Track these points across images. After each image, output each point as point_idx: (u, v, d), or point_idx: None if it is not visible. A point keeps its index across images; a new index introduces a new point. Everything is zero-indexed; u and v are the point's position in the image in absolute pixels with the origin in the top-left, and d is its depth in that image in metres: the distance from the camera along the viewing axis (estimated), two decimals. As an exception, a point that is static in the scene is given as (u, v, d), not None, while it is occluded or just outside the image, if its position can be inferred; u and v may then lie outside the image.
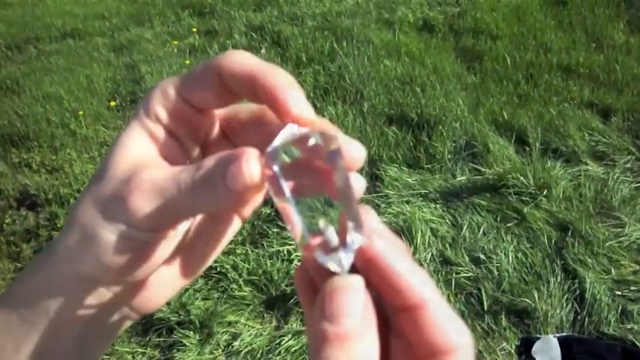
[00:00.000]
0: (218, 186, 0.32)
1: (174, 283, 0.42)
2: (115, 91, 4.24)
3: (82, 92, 4.15)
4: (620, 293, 2.38)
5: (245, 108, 0.40)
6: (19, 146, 3.58)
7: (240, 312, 2.36)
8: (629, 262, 2.52)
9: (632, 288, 2.40)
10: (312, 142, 0.30)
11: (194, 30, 5.38)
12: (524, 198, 2.85)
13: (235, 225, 0.44)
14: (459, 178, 3.06)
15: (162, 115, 0.37)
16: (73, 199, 3.04)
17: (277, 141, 0.31)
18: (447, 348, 0.30)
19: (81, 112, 3.88)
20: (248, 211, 0.45)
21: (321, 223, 0.31)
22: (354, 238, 0.30)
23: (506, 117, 3.49)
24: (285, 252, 2.59)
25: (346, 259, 0.30)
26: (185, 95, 0.37)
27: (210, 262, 0.44)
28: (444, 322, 0.30)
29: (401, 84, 3.90)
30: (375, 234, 0.31)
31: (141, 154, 0.36)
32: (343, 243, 0.30)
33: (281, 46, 4.77)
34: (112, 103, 4.07)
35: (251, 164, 0.31)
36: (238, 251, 2.65)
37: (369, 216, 0.32)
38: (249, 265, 2.54)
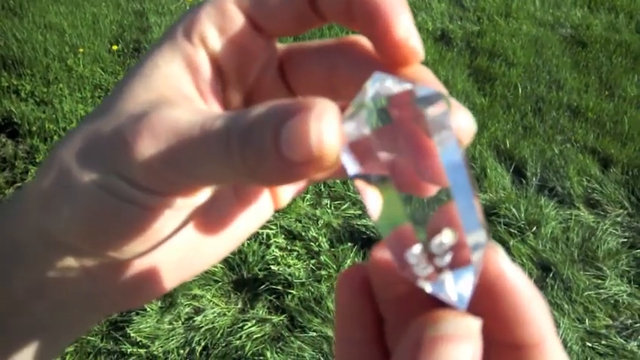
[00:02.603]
0: (266, 149, 0.21)
1: (167, 277, 0.31)
2: (119, 36, 4.11)
3: (86, 30, 4.02)
4: (590, 345, 2.35)
5: (320, 43, 0.30)
6: (10, 71, 3.45)
7: (207, 287, 2.29)
8: (604, 316, 2.49)
9: (602, 342, 2.37)
10: (417, 98, 0.20)
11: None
12: (512, 230, 2.81)
13: (264, 210, 0.34)
14: (452, 197, 3.00)
15: (212, 35, 0.27)
16: (57, 137, 2.94)
17: (368, 92, 0.21)
18: None
19: (81, 50, 3.75)
20: (284, 197, 0.34)
21: (423, 224, 0.21)
22: (476, 252, 0.21)
23: (508, 146, 3.44)
24: (265, 235, 2.51)
25: (467, 286, 0.21)
26: (255, 12, 0.27)
27: (217, 260, 0.33)
28: None
29: (409, 90, 3.83)
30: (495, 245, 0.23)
31: (169, 85, 0.26)
32: (461, 260, 0.21)
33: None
34: (114, 47, 3.94)
35: (325, 123, 0.20)
36: (216, 225, 2.55)
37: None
38: (225, 240, 2.46)
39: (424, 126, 0.21)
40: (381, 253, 0.24)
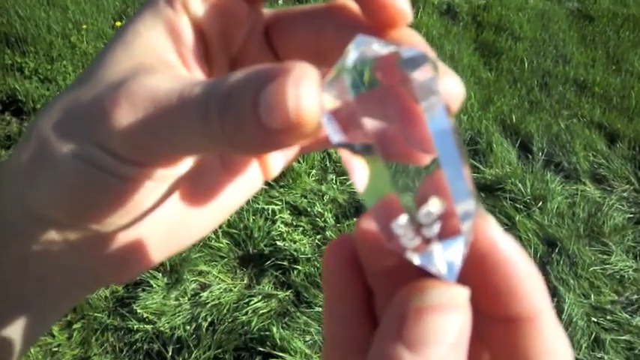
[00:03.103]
0: (244, 116, 0.20)
1: (153, 250, 0.30)
2: (122, 12, 4.07)
3: (89, 6, 3.98)
4: (595, 320, 2.35)
5: (307, 7, 0.28)
6: (14, 48, 3.42)
7: (213, 263, 2.29)
8: (609, 291, 2.49)
9: (607, 317, 2.37)
10: (402, 61, 0.19)
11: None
12: (518, 205, 2.80)
13: (253, 181, 0.33)
14: (457, 172, 2.99)
15: (194, 2, 0.26)
16: (61, 113, 2.93)
17: (350, 56, 0.20)
18: None
19: (84, 26, 3.72)
20: (274, 168, 0.33)
21: (410, 194, 0.20)
22: (466, 222, 0.20)
23: (514, 120, 3.42)
24: (270, 211, 2.51)
25: (456, 257, 0.20)
26: None
27: (206, 232, 0.32)
28: (555, 339, 0.23)
29: (415, 65, 3.80)
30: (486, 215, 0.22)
31: (149, 53, 0.25)
32: (450, 230, 0.20)
33: (300, 2, 4.65)
34: (118, 24, 3.89)
35: (304, 89, 0.19)
36: (222, 200, 2.54)
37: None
38: (230, 217, 2.45)
39: (411, 91, 0.20)
40: (368, 224, 0.23)
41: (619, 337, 2.29)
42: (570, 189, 3.02)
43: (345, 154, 0.21)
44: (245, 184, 0.33)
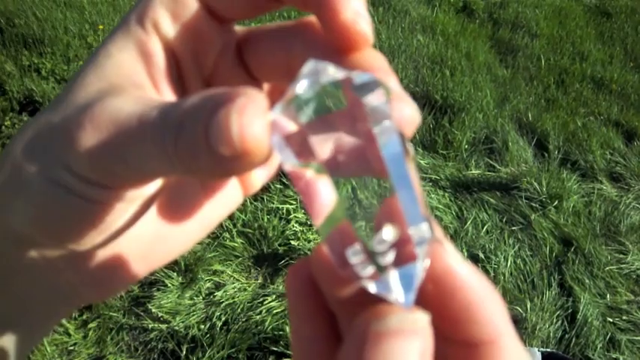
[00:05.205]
0: (197, 144, 0.20)
1: (134, 266, 0.30)
2: (139, 11, 4.10)
3: (105, 6, 4.01)
4: (611, 320, 2.33)
5: (277, 25, 0.28)
6: (31, 49, 3.45)
7: (227, 263, 2.30)
8: (625, 291, 2.47)
9: (623, 317, 2.35)
10: (354, 86, 0.19)
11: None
12: (533, 204, 2.78)
13: (233, 197, 0.33)
14: (473, 171, 2.98)
15: (165, 22, 0.26)
16: (78, 114, 2.95)
17: (301, 81, 0.20)
18: None
19: (101, 27, 3.75)
20: (254, 183, 0.33)
21: (363, 221, 0.20)
22: (421, 247, 0.20)
23: (530, 118, 3.40)
24: (284, 210, 2.51)
25: (412, 283, 0.20)
26: None
27: (187, 248, 0.32)
28: None
29: (431, 63, 3.79)
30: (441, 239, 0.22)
31: (120, 74, 0.25)
32: (405, 256, 0.20)
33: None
34: (134, 23, 3.93)
35: (248, 117, 0.19)
36: (236, 200, 2.55)
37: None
38: (245, 216, 2.46)
39: (363, 116, 0.20)
40: (323, 251, 0.23)
41: (635, 338, 2.27)
42: (587, 187, 3.00)
43: (298, 183, 0.21)
44: (224, 200, 0.33)
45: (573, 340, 2.24)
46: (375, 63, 0.24)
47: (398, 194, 0.20)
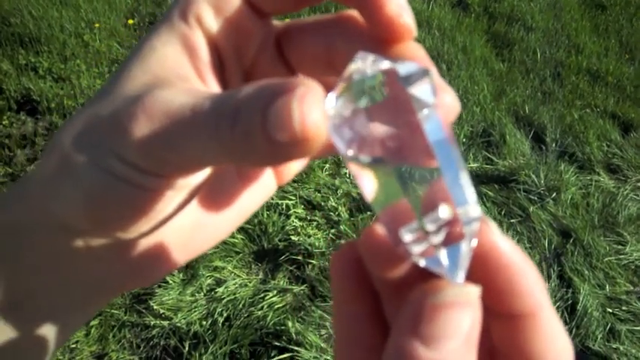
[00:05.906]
0: (254, 132, 0.21)
1: (174, 255, 0.31)
2: (134, 10, 4.08)
3: (101, 4, 3.99)
4: (611, 311, 2.35)
5: (317, 18, 0.29)
6: (28, 48, 3.44)
7: (228, 259, 2.30)
8: (625, 282, 2.48)
9: (623, 308, 2.37)
10: (400, 76, 0.20)
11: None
12: (532, 197, 2.79)
13: (268, 186, 0.34)
14: (471, 164, 2.98)
15: (208, 16, 0.27)
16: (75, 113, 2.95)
17: (351, 72, 0.21)
18: None
19: (97, 25, 3.74)
20: (288, 173, 0.34)
21: (417, 201, 0.21)
22: (469, 226, 0.21)
23: (527, 111, 3.41)
24: (284, 206, 2.52)
25: (461, 260, 0.22)
26: None
27: (224, 236, 0.34)
28: (555, 333, 0.24)
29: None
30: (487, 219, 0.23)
31: (166, 67, 0.26)
32: (454, 235, 0.21)
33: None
34: (130, 22, 3.92)
35: (308, 105, 0.20)
36: (236, 196, 2.55)
37: None
38: (245, 213, 2.46)
39: (409, 104, 0.21)
40: (373, 231, 0.24)
41: (634, 328, 2.28)
42: (584, 179, 3.01)
43: (353, 167, 0.22)
44: (259, 189, 0.34)
45: (574, 330, 2.25)
46: (417, 54, 0.26)
47: (445, 177, 0.21)
